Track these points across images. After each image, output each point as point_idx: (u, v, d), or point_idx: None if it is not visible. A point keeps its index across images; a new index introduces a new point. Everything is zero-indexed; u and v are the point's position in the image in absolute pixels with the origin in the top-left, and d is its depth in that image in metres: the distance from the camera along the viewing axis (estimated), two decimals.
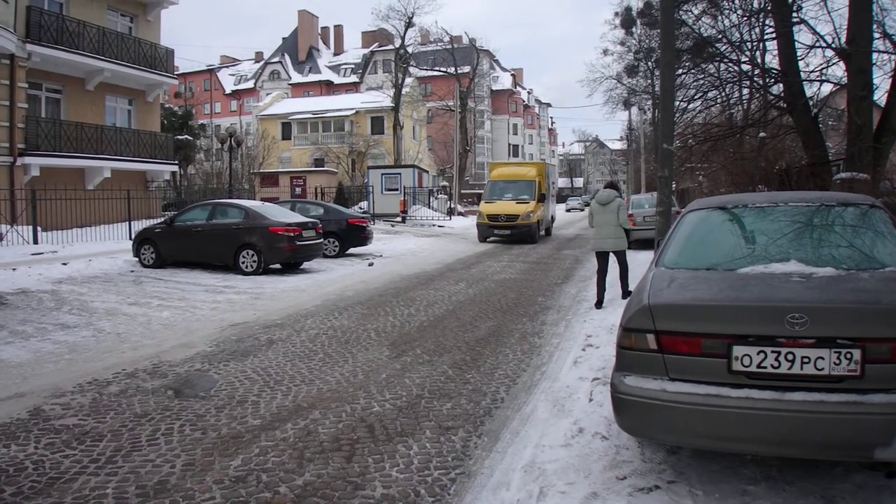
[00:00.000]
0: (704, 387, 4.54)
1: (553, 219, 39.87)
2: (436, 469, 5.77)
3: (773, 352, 4.40)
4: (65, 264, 18.78)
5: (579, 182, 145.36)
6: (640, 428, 4.96)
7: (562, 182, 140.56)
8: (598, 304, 13.13)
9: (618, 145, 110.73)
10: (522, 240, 31.00)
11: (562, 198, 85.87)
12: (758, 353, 4.42)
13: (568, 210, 76.86)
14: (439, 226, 40.44)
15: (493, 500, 5.08)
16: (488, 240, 31.72)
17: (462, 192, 60.62)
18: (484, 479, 5.54)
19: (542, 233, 34.71)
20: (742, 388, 4.45)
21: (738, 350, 4.46)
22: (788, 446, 4.44)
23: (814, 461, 5.05)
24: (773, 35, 17.54)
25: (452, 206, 51.09)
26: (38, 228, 23.76)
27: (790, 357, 4.37)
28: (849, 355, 4.27)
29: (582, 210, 76.38)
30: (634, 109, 60.72)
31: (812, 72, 16.77)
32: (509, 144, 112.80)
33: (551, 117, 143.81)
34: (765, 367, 4.42)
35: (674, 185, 29.48)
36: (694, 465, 5.28)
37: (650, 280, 5.42)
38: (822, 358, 4.32)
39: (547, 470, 5.40)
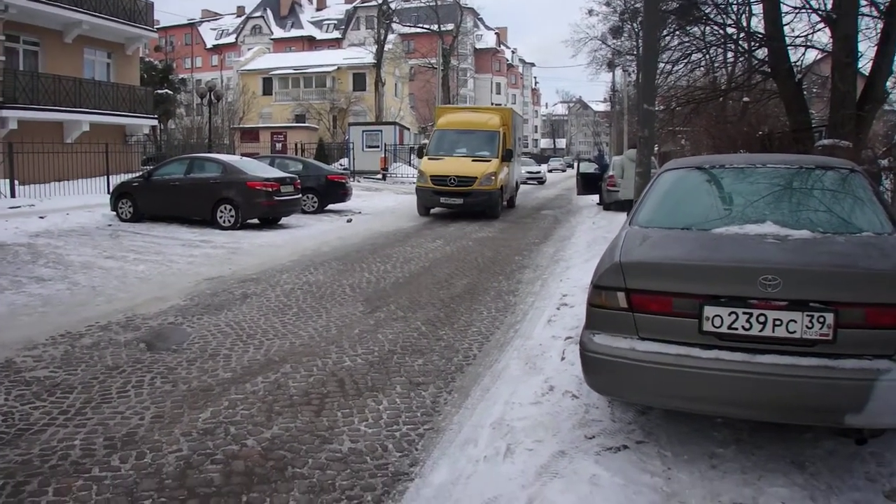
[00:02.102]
0: (674, 347, 4.50)
1: (518, 186, 31.36)
2: (404, 424, 5.75)
3: (744, 313, 4.35)
4: (42, 218, 18.60)
5: (562, 143, 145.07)
6: (608, 387, 4.93)
7: (544, 143, 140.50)
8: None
9: (601, 107, 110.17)
10: (480, 212, 23.23)
11: (543, 158, 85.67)
12: (729, 314, 4.38)
13: (550, 170, 76.55)
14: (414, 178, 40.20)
15: (461, 455, 5.05)
16: (431, 211, 24.34)
17: None
18: (452, 434, 5.53)
19: (505, 203, 26.32)
20: (712, 349, 4.41)
21: (709, 310, 4.41)
22: (758, 409, 4.41)
23: (784, 426, 5.01)
24: None
25: None
26: (16, 182, 23.54)
27: (762, 319, 4.32)
28: (821, 319, 4.23)
29: (564, 171, 76.27)
30: (619, 71, 60.32)
31: (797, 37, 16.64)
32: (492, 103, 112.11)
33: (535, 77, 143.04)
34: (736, 329, 4.37)
35: (656, 148, 29.44)
36: (664, 425, 5.25)
37: (622, 238, 5.36)
38: (795, 321, 4.27)
39: (515, 427, 5.38)
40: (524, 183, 49.59)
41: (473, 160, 23.71)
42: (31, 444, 5.22)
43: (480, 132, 25.03)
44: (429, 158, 24.52)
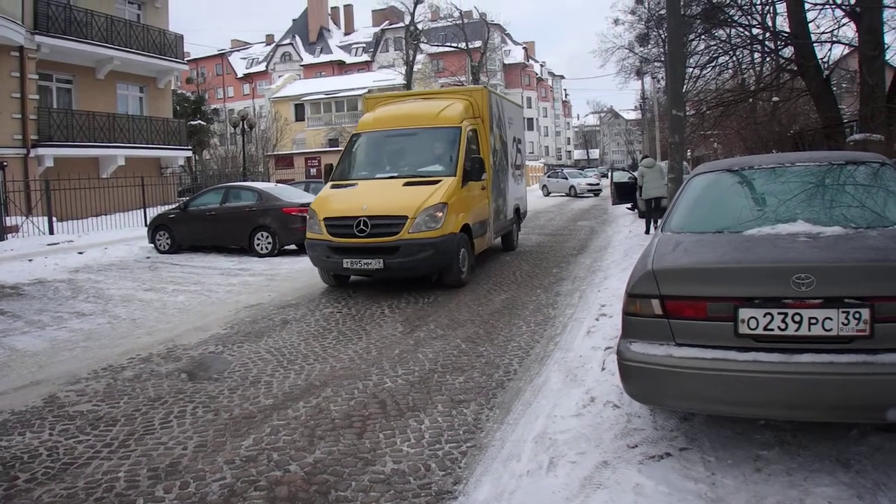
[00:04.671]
0: (711, 351, 4.48)
1: (521, 213, 19.91)
2: (447, 443, 5.75)
3: (779, 313, 4.33)
4: (81, 253, 18.94)
5: (595, 153, 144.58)
6: (647, 395, 4.91)
7: (577, 154, 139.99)
8: (648, 231, 19.55)
9: (632, 115, 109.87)
10: (419, 276, 13.30)
11: (579, 169, 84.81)
12: (764, 316, 4.36)
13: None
14: None
15: (504, 471, 5.05)
16: (334, 282, 14.01)
17: None
18: (495, 451, 5.52)
19: (496, 242, 17.29)
20: (749, 351, 4.39)
21: (743, 313, 4.40)
22: (799, 409, 4.38)
23: (829, 424, 4.98)
24: None
25: None
26: (54, 219, 23.89)
27: (797, 318, 4.30)
28: (857, 315, 4.20)
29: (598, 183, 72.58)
30: (647, 78, 60.13)
31: (823, 33, 16.59)
32: (523, 118, 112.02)
33: (565, 89, 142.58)
34: (772, 330, 4.35)
35: (689, 153, 29.27)
36: (706, 431, 5.23)
37: (655, 245, 5.36)
38: (830, 318, 4.24)
39: (558, 440, 5.37)
40: (580, 196, 49.31)
41: (407, 184, 13.33)
42: (76, 478, 5.29)
43: (425, 132, 14.66)
44: (331, 186, 14.45)
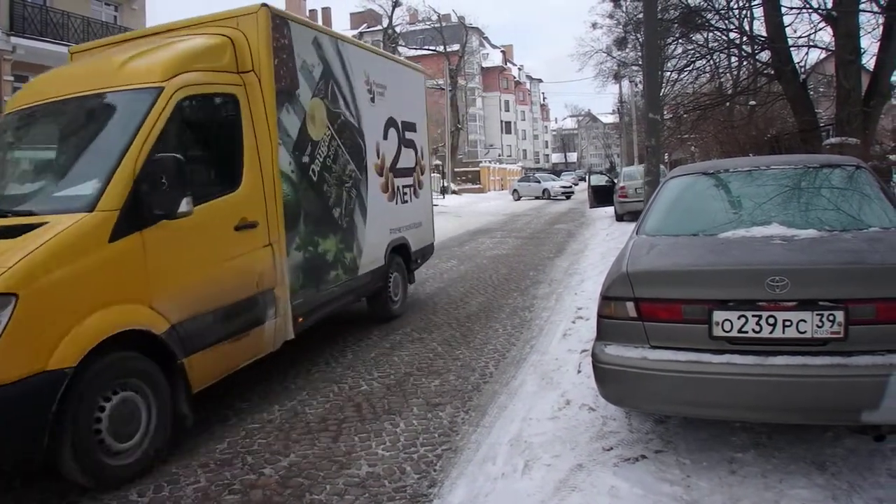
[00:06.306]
0: (686, 353, 4.48)
1: (413, 253, 11.42)
2: (422, 446, 5.74)
3: (753, 316, 4.33)
4: None
5: (573, 157, 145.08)
6: (622, 397, 4.90)
7: (555, 157, 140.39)
8: None
9: (610, 119, 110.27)
10: None
11: (556, 173, 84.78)
12: (738, 318, 4.36)
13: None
14: (433, 204, 40.09)
15: (479, 474, 5.03)
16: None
17: (455, 170, 60.61)
18: (470, 454, 5.51)
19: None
20: (724, 353, 4.38)
21: (718, 315, 4.40)
22: (774, 412, 4.39)
23: (804, 427, 5.00)
24: (760, 1, 17.41)
25: (446, 184, 51.05)
26: None
27: (771, 321, 4.30)
28: (831, 317, 4.20)
29: (576, 185, 71.89)
30: (625, 82, 60.36)
31: (800, 37, 16.77)
32: (501, 121, 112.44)
33: (543, 92, 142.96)
34: (746, 332, 4.35)
35: (666, 157, 29.38)
36: (682, 433, 5.23)
37: (629, 248, 5.37)
38: (805, 321, 4.25)
39: (533, 443, 5.36)
40: (554, 199, 50.00)
41: None
42: None
43: (78, 106, 6.46)
44: None
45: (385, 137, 10.38)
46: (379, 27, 66.52)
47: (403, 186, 11.08)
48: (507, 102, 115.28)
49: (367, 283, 9.66)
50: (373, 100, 9.95)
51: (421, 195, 11.95)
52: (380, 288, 10.12)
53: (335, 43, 8.95)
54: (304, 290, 7.69)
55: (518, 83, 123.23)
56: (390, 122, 10.59)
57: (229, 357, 6.48)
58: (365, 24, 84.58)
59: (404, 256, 11.08)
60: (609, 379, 4.79)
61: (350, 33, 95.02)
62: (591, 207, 29.41)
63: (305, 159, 7.95)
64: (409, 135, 11.37)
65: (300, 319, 7.58)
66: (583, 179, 66.48)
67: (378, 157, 10.06)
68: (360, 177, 9.42)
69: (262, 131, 7.13)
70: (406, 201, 11.20)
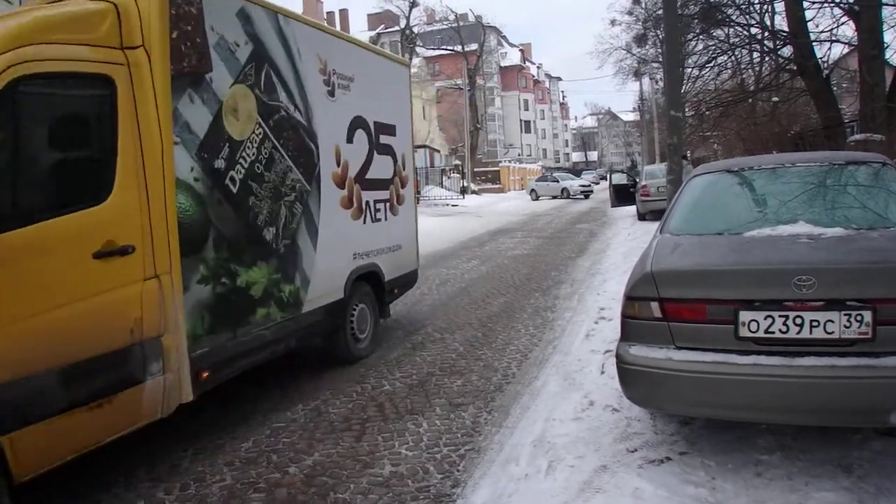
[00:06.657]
0: (711, 354, 4.44)
1: (387, 283, 9.22)
2: (445, 446, 5.73)
3: (780, 316, 4.28)
4: None
5: (594, 155, 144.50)
6: (647, 398, 4.87)
7: (576, 156, 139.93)
8: None
9: (631, 117, 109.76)
10: None
11: (576, 172, 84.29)
12: (765, 318, 4.31)
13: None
14: (453, 205, 40.21)
15: (502, 475, 5.02)
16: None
17: (475, 170, 60.57)
18: (493, 454, 5.50)
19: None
20: (750, 354, 4.34)
21: (744, 315, 4.35)
22: (800, 414, 4.35)
23: (830, 429, 4.94)
24: None
25: (465, 184, 51.09)
26: None
27: (798, 321, 4.25)
28: (859, 317, 4.15)
29: (596, 184, 71.72)
30: (646, 79, 60.09)
31: (822, 32, 16.62)
32: (521, 120, 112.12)
33: (562, 91, 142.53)
34: (773, 333, 4.30)
35: (689, 154, 29.24)
36: (706, 435, 5.19)
37: (654, 247, 5.32)
38: (832, 321, 4.19)
39: (556, 444, 5.33)
40: (573, 197, 50.05)
41: None
42: None
43: None
44: None
45: (349, 141, 8.36)
46: (396, 28, 66.52)
47: (376, 202, 9.01)
48: (526, 101, 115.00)
49: (319, 322, 7.59)
50: (332, 93, 7.94)
51: (401, 212, 9.82)
52: (338, 325, 8.09)
53: (275, 18, 6.89)
54: (212, 337, 5.78)
55: (537, 82, 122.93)
56: (357, 123, 8.55)
57: (84, 430, 4.62)
58: (382, 26, 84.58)
59: (375, 285, 9.00)
60: (633, 380, 4.76)
61: (367, 35, 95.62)
62: (612, 206, 29.29)
63: (219, 164, 5.97)
64: (384, 139, 9.33)
65: (204, 375, 5.66)
66: (603, 178, 66.20)
67: (338, 165, 8.03)
68: (309, 188, 7.39)
69: (150, 126, 5.19)
70: (379, 220, 9.11)
